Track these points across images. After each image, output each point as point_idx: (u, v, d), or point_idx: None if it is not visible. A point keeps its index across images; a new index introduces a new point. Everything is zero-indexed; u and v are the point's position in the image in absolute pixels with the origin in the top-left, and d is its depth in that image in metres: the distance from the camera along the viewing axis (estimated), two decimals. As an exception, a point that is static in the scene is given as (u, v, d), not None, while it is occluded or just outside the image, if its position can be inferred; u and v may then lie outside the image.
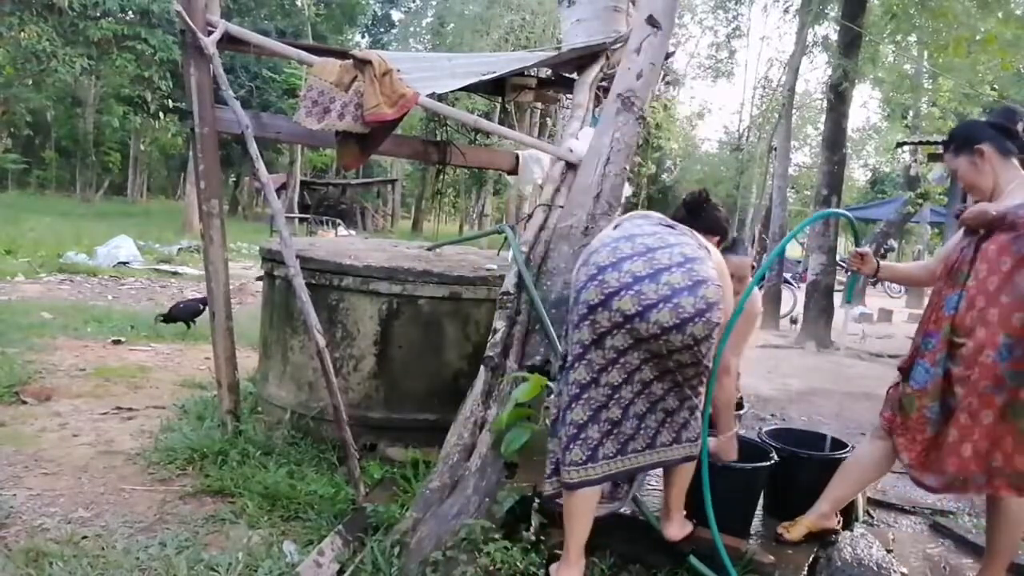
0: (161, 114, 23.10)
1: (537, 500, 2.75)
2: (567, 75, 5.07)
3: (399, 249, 4.68)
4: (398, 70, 3.62)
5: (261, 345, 4.46)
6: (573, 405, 2.41)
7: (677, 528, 2.67)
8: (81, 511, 3.11)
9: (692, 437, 2.50)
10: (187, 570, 2.62)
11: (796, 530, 2.80)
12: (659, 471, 2.65)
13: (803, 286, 11.85)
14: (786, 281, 13.11)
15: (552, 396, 2.67)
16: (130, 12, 19.31)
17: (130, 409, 4.50)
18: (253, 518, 3.11)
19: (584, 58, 4.65)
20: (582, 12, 4.75)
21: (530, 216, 3.79)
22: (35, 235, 13.42)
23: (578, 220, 3.43)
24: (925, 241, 21.51)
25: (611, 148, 3.56)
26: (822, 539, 2.84)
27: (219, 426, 3.95)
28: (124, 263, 11.54)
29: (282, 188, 22.57)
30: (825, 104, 11.49)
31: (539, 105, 12.89)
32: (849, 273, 3.33)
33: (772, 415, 5.73)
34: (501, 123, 8.46)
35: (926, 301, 2.78)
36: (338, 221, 21.84)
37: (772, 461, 2.86)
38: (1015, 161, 2.52)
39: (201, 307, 6.50)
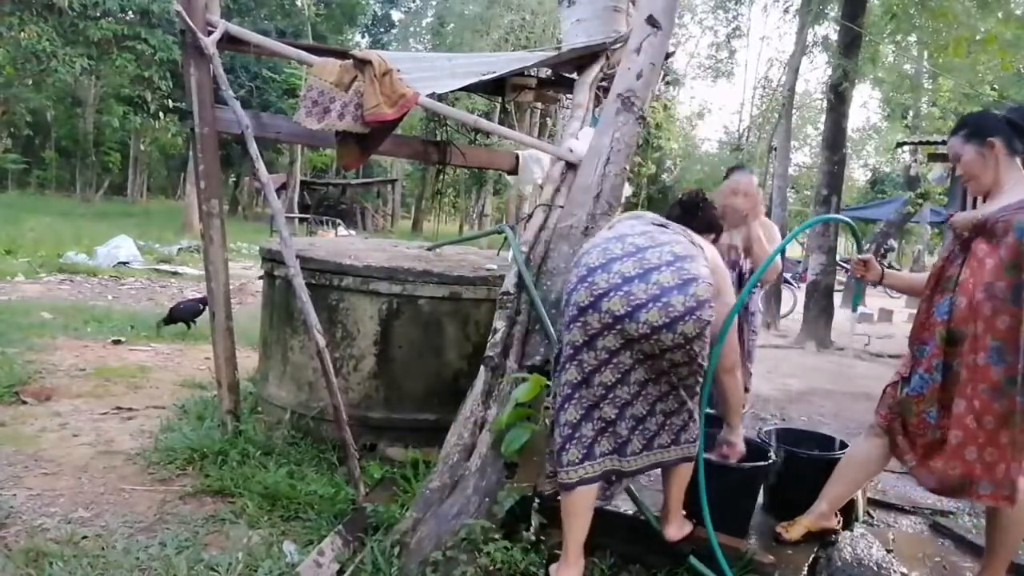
0: (161, 114, 23.06)
1: (537, 500, 2.75)
2: (567, 75, 5.07)
3: (399, 249, 4.68)
4: (398, 70, 3.63)
5: (261, 345, 4.46)
6: (565, 406, 2.42)
7: (676, 528, 2.67)
8: (81, 511, 3.10)
9: (691, 439, 2.52)
10: (187, 570, 2.62)
11: (795, 530, 2.81)
12: (658, 471, 2.66)
13: (803, 286, 11.86)
14: (786, 281, 13.11)
15: (551, 397, 2.68)
16: (130, 12, 19.31)
17: (130, 409, 4.50)
18: (253, 518, 3.10)
19: (584, 58, 4.65)
20: (582, 12, 4.76)
21: (530, 216, 3.79)
22: (35, 235, 13.41)
23: (578, 220, 3.43)
24: (925, 241, 21.44)
25: (611, 148, 3.56)
26: (822, 539, 2.84)
27: (219, 426, 3.95)
28: (124, 263, 11.55)
29: (282, 188, 22.56)
30: (825, 104, 11.49)
31: (539, 105, 12.87)
32: (853, 280, 3.32)
33: (772, 415, 5.73)
34: (501, 123, 8.46)
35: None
36: (338, 221, 21.82)
37: (771, 461, 2.85)
38: (1019, 161, 2.52)
39: (201, 307, 6.50)
